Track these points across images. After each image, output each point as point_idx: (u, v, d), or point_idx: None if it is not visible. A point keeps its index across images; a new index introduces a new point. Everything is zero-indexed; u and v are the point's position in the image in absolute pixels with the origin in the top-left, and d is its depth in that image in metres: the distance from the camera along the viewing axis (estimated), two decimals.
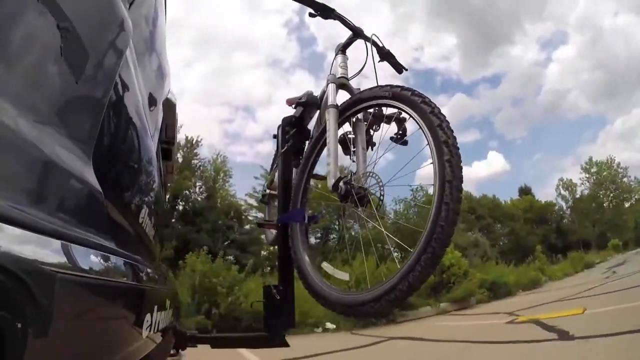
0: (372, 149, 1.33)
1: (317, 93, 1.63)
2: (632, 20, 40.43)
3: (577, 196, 25.83)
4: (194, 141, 17.14)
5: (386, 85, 1.21)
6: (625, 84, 42.15)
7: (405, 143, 1.29)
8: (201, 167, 17.79)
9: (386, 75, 1.47)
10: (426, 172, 1.08)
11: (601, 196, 24.55)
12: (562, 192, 26.36)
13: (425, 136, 1.06)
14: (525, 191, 26.91)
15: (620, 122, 43.98)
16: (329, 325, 5.87)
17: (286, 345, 1.49)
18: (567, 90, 46.58)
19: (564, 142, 49.79)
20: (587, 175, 24.89)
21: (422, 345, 4.09)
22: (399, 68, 1.50)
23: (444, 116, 1.05)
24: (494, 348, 3.34)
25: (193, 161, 17.24)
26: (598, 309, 4.07)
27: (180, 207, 16.04)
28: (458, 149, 1.00)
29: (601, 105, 45.80)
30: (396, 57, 1.48)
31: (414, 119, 1.11)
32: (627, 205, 24.94)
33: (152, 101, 1.05)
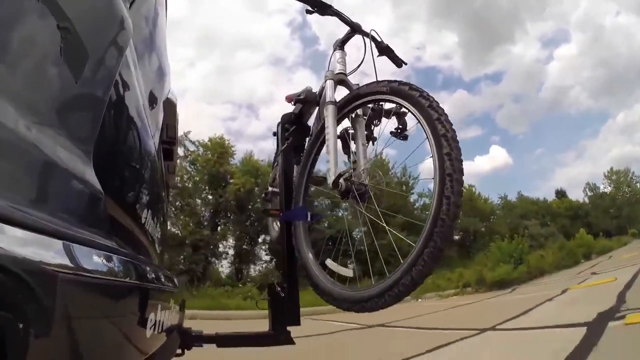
0: (372, 144, 1.32)
1: (316, 89, 1.62)
2: (633, 20, 40.56)
3: (599, 193, 33.79)
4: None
5: (384, 81, 1.20)
6: (627, 81, 42.37)
7: (405, 137, 1.27)
8: None
9: (386, 71, 1.46)
10: (427, 167, 1.07)
11: (619, 197, 33.10)
12: (589, 193, 34.14)
13: (424, 130, 1.04)
14: (561, 193, 33.46)
15: (621, 117, 43.85)
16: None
17: (292, 342, 1.50)
18: (569, 87, 46.44)
19: (566, 137, 49.53)
20: (609, 181, 34.18)
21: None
22: (398, 62, 1.48)
23: (443, 109, 1.03)
24: None
25: None
26: None
27: None
28: (458, 142, 0.99)
29: (602, 101, 45.63)
30: (395, 52, 1.46)
31: (412, 113, 1.10)
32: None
33: (152, 101, 1.05)
